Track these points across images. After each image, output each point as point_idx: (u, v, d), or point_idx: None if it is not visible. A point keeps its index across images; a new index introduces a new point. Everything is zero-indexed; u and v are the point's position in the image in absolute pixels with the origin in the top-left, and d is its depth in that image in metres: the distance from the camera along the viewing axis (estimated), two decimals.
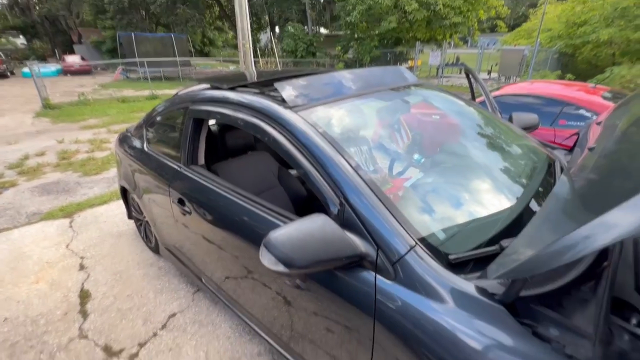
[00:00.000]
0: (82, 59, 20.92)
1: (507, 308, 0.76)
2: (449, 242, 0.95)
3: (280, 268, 0.85)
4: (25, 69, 16.39)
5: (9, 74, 18.54)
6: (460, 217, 1.10)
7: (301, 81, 1.42)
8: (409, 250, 0.88)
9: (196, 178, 1.65)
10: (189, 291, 2.23)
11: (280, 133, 1.22)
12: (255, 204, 1.33)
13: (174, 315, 2.03)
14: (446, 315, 0.79)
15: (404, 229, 0.92)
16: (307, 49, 18.18)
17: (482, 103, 2.40)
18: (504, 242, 0.85)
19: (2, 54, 19.10)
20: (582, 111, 3.40)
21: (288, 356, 1.41)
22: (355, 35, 17.04)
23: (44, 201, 3.71)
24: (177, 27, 23.09)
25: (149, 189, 2.09)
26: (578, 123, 3.34)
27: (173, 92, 2.10)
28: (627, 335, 0.75)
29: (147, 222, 2.50)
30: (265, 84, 1.60)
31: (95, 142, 6.14)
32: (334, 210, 1.03)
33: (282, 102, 1.32)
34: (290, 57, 18.23)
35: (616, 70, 8.69)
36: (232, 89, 1.61)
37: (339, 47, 18.28)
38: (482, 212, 1.14)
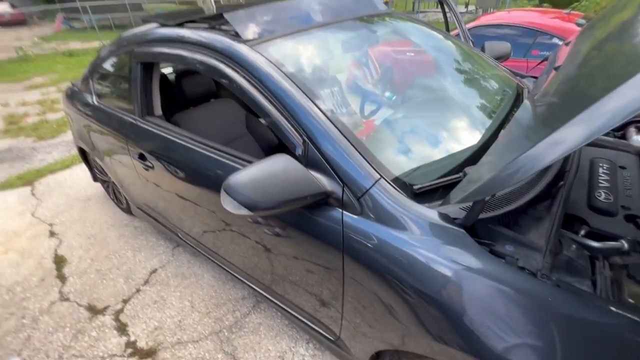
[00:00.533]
0: (12, 6, 18.09)
1: (468, 231, 0.79)
2: (414, 174, 0.95)
3: (244, 211, 0.82)
4: None
5: None
6: (426, 150, 1.09)
7: (255, 11, 1.26)
8: (373, 184, 0.87)
9: (154, 130, 1.53)
10: (168, 247, 2.23)
11: (235, 70, 1.11)
12: (222, 153, 1.26)
13: (155, 271, 2.04)
14: (410, 242, 0.81)
15: (369, 163, 0.90)
16: None
17: (457, 36, 2.30)
18: (467, 170, 0.85)
19: None
20: (555, 40, 3.35)
21: (270, 297, 1.47)
22: None
23: None
24: None
25: (108, 147, 1.95)
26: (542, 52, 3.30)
27: None
28: (575, 245, 0.80)
29: (113, 182, 2.38)
30: (217, 18, 1.42)
31: (46, 102, 5.59)
32: (298, 150, 0.98)
33: (236, 36, 1.18)
34: None
35: None
36: (179, 25, 1.42)
37: None
38: (449, 144, 1.13)
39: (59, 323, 1.75)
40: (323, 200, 0.93)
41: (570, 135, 0.55)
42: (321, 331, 1.28)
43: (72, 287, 1.97)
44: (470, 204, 0.77)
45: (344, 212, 0.91)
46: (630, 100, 0.50)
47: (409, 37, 1.67)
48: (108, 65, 1.89)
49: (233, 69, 1.12)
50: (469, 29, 3.80)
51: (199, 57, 1.22)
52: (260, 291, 1.50)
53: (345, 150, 0.91)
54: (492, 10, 12.45)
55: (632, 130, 1.46)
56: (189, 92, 1.88)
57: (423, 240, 0.80)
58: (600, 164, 1.13)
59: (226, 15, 1.19)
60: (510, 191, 0.88)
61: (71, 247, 2.30)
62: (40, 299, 1.90)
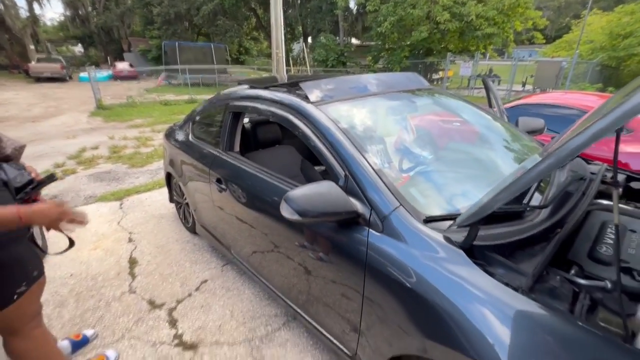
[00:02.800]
0: (131, 65, 22.79)
1: (466, 252, 0.99)
2: (426, 206, 1.19)
3: (296, 217, 1.13)
4: (82, 74, 18.16)
5: (68, 78, 20.60)
6: (437, 191, 1.34)
7: (323, 82, 1.72)
8: (393, 210, 1.13)
9: (232, 161, 1.98)
10: (219, 264, 2.57)
11: (303, 123, 1.52)
12: (281, 181, 1.63)
13: (205, 281, 2.36)
14: (416, 254, 1.03)
15: (392, 194, 1.17)
16: (338, 58, 18.68)
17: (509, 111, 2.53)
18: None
19: (63, 61, 21.25)
20: None
21: (304, 315, 1.66)
22: (386, 46, 17.28)
23: (98, 186, 4.26)
24: (217, 36, 24.56)
25: (192, 174, 2.47)
26: None
27: (210, 96, 2.48)
28: (559, 278, 0.95)
29: (186, 204, 2.88)
30: (293, 85, 1.92)
31: (141, 139, 6.81)
32: (341, 181, 1.30)
33: (306, 98, 1.62)
34: (321, 66, 18.81)
35: None
36: (266, 88, 1.93)
37: (370, 57, 18.59)
38: (457, 188, 1.36)
39: (125, 310, 2.10)
40: (354, 220, 1.20)
41: (536, 170, 0.78)
42: (341, 346, 1.44)
43: (139, 283, 2.36)
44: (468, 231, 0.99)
45: (370, 230, 1.17)
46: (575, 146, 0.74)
47: (445, 108, 2.01)
48: (205, 113, 2.50)
49: (301, 121, 1.53)
50: (518, 105, 4.05)
51: (278, 111, 1.68)
52: (295, 307, 1.71)
53: (376, 184, 1.21)
54: (549, 90, 12.56)
55: None
56: (260, 137, 2.38)
57: (428, 255, 1.02)
58: (610, 225, 1.25)
59: (301, 84, 1.65)
60: (508, 230, 1.07)
61: (143, 252, 2.76)
62: (114, 289, 2.31)
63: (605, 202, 1.44)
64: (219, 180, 2.03)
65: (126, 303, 2.16)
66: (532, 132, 2.20)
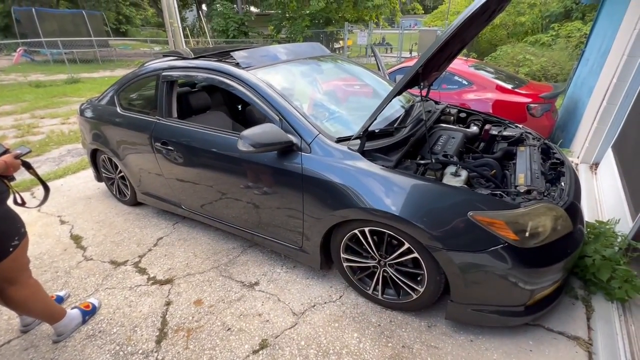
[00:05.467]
0: None
1: (361, 154, 1.65)
2: (335, 133, 1.82)
3: (251, 149, 1.61)
4: None
5: None
6: (341, 124, 2.00)
7: (249, 52, 2.15)
8: (315, 137, 1.73)
9: (174, 124, 2.28)
10: (169, 223, 2.85)
11: (240, 85, 1.95)
12: (228, 134, 2.04)
13: (161, 238, 2.65)
14: (334, 162, 1.66)
15: (313, 127, 1.76)
16: (239, 28, 17.98)
17: (391, 74, 3.32)
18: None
19: None
20: (456, 77, 4.63)
21: (258, 234, 2.18)
22: (287, 15, 17.36)
23: None
24: (86, 2, 20.62)
25: (129, 144, 2.62)
26: (454, 86, 4.55)
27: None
28: (410, 161, 1.71)
29: (120, 177, 2.99)
30: (220, 54, 2.29)
31: (22, 127, 5.90)
32: (277, 123, 1.82)
33: (237, 65, 2.04)
34: (222, 37, 17.87)
35: (504, 49, 10.72)
36: (196, 58, 2.25)
37: (272, 27, 18.42)
38: (353, 122, 2.04)
39: (89, 272, 2.29)
40: (290, 148, 1.75)
41: (382, 102, 1.46)
42: (291, 246, 2.04)
43: (93, 252, 2.51)
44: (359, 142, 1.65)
45: (302, 153, 1.75)
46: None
47: (345, 71, 2.66)
48: (132, 86, 2.63)
49: (238, 84, 1.96)
50: (400, 68, 5.05)
51: (215, 77, 2.05)
52: (251, 232, 2.22)
53: (302, 122, 1.77)
54: None
55: (471, 123, 2.49)
56: (193, 104, 2.66)
57: (340, 160, 1.66)
58: (443, 135, 2.10)
59: (232, 54, 2.05)
60: (385, 141, 1.77)
61: (83, 229, 2.82)
62: (67, 261, 2.42)
63: (442, 124, 2.31)
64: (164, 143, 2.30)
65: (87, 268, 2.33)
66: None
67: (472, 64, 4.94)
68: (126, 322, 1.87)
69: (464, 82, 4.49)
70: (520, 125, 2.43)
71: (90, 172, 3.70)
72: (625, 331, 1.58)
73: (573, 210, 1.58)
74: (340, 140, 1.75)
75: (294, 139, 1.76)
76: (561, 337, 1.64)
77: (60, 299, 2.01)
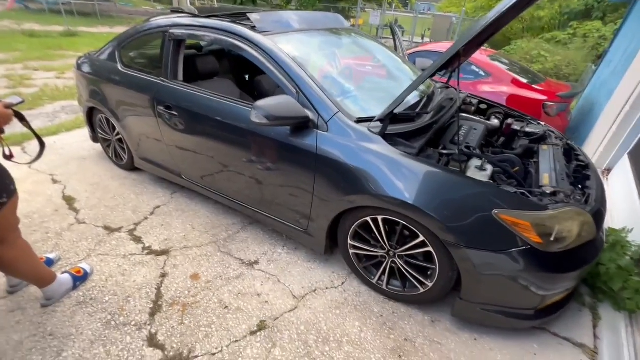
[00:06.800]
0: None
1: (383, 137, 1.54)
2: (356, 112, 1.69)
3: (264, 121, 1.48)
4: None
5: None
6: (363, 103, 1.87)
7: (267, 15, 1.96)
8: (334, 115, 1.60)
9: (180, 88, 2.12)
10: (167, 192, 2.73)
11: (255, 50, 1.79)
12: (238, 102, 1.90)
13: (158, 207, 2.54)
14: (352, 143, 1.54)
15: (333, 104, 1.63)
16: None
17: (410, 55, 3.14)
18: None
19: None
20: (473, 67, 4.45)
21: (261, 212, 2.09)
22: None
23: None
24: None
25: (128, 105, 2.45)
26: (470, 76, 4.38)
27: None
28: (432, 149, 1.60)
29: (118, 140, 2.84)
30: (238, 15, 2.10)
31: (14, 77, 5.61)
32: (293, 96, 1.68)
33: (253, 28, 1.86)
34: (229, 2, 17.09)
35: (519, 43, 10.42)
36: (208, 17, 2.06)
37: None
38: (375, 102, 1.91)
39: (81, 236, 2.19)
40: (306, 124, 1.62)
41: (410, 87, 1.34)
42: (295, 227, 1.95)
43: (86, 215, 2.40)
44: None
45: (318, 131, 1.62)
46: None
47: (366, 47, 2.48)
48: (136, 42, 2.43)
49: (253, 49, 1.79)
50: (417, 52, 4.84)
51: (227, 39, 1.88)
52: (253, 209, 2.12)
53: (321, 97, 1.63)
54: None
55: (491, 115, 2.37)
56: (200, 68, 2.48)
57: (360, 142, 1.54)
58: (464, 126, 1.98)
59: (249, 16, 1.87)
60: (407, 126, 1.65)
61: (76, 190, 2.70)
62: (59, 222, 2.31)
63: (463, 114, 2.18)
64: (167, 107, 2.15)
65: (80, 231, 2.23)
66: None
67: (490, 54, 4.75)
68: (119, 291, 1.79)
69: (482, 72, 4.32)
70: (543, 123, 2.32)
71: (85, 132, 3.52)
72: (632, 342, 1.55)
73: (598, 216, 1.51)
74: (360, 120, 1.62)
75: (310, 114, 1.62)
76: (567, 343, 1.61)
77: (50, 262, 1.92)
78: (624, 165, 2.85)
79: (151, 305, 1.72)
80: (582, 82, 4.77)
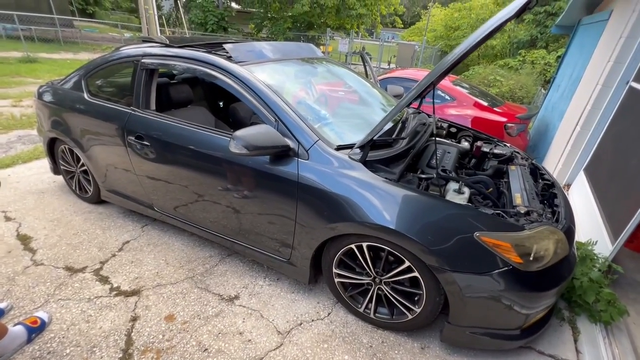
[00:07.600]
0: None
1: (363, 164, 1.55)
2: (335, 140, 1.70)
3: (244, 151, 1.45)
4: None
5: None
6: (341, 131, 1.89)
7: (241, 46, 1.98)
8: (314, 143, 1.60)
9: (153, 117, 2.05)
10: (137, 226, 2.57)
11: (231, 80, 1.78)
12: (215, 132, 1.85)
13: (127, 242, 2.37)
14: (333, 171, 1.54)
15: (313, 132, 1.63)
16: (219, 23, 17.44)
17: (381, 81, 3.27)
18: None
19: None
20: (439, 92, 4.72)
21: (240, 242, 2.00)
22: (269, 15, 17.13)
23: None
24: None
25: (94, 135, 2.32)
26: (437, 101, 4.63)
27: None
28: (412, 175, 1.63)
29: (82, 172, 2.67)
30: (209, 45, 2.09)
31: None
32: (273, 125, 1.67)
33: (229, 59, 1.86)
34: (200, 29, 17.24)
35: (476, 69, 11.31)
36: (182, 47, 2.04)
37: (252, 25, 18.07)
38: (352, 130, 1.94)
39: (38, 280, 1.97)
40: (286, 153, 1.61)
41: (388, 115, 1.37)
42: (277, 257, 1.88)
43: (44, 255, 2.18)
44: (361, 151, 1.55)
45: (299, 159, 1.61)
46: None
47: (339, 74, 2.56)
48: (104, 71, 2.35)
49: (229, 78, 1.78)
50: (387, 78, 5.07)
51: (202, 69, 1.86)
52: (231, 239, 2.03)
53: (300, 126, 1.63)
54: (407, 68, 15.18)
55: (462, 138, 2.49)
56: (173, 96, 2.42)
57: (340, 169, 1.54)
58: (439, 150, 2.06)
59: (225, 46, 1.87)
60: (386, 152, 1.68)
61: (33, 228, 2.47)
62: (12, 265, 2.08)
63: (437, 138, 2.27)
64: (139, 137, 2.06)
65: (36, 274, 2.02)
66: (396, 96, 3.01)
67: (453, 80, 5.08)
68: (82, 342, 1.61)
69: (447, 97, 4.59)
70: (508, 144, 2.47)
71: (45, 163, 3.29)
72: (610, 354, 1.60)
73: (569, 233, 1.59)
74: (339, 148, 1.64)
75: (291, 143, 1.62)
76: None
77: (0, 313, 1.70)
78: (582, 181, 3.07)
79: (120, 355, 1.56)
80: (535, 104, 5.20)
